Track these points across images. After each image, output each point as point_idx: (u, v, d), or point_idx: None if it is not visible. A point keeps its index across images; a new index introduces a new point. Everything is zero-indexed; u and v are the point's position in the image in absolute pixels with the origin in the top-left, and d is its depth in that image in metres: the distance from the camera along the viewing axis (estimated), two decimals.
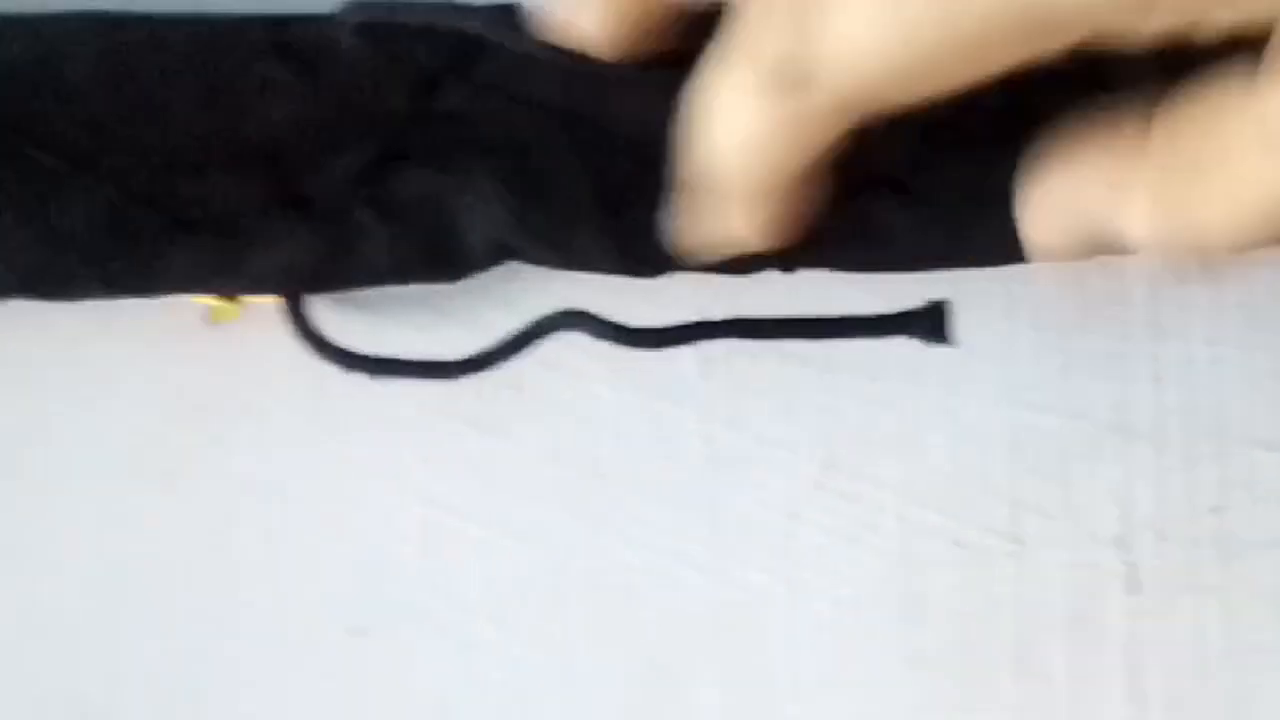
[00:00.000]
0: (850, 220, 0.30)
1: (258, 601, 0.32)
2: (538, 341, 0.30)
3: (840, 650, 0.33)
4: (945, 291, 0.31)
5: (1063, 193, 0.27)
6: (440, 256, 0.30)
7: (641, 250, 0.29)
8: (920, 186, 0.30)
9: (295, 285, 0.30)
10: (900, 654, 0.33)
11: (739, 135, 0.26)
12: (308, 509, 0.32)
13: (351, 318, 0.32)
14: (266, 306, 0.31)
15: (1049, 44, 0.24)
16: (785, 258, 0.30)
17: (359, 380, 0.31)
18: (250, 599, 0.32)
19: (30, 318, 0.31)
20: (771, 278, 0.30)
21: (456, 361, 0.30)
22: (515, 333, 0.30)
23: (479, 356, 0.30)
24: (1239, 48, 0.25)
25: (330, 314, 0.31)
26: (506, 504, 0.32)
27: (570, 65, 0.29)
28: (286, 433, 0.32)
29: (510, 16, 0.29)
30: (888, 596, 0.33)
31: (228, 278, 0.30)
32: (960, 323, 0.31)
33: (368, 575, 0.32)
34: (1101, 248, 0.27)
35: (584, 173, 0.29)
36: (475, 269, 0.30)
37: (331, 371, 0.31)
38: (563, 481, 0.32)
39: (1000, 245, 0.29)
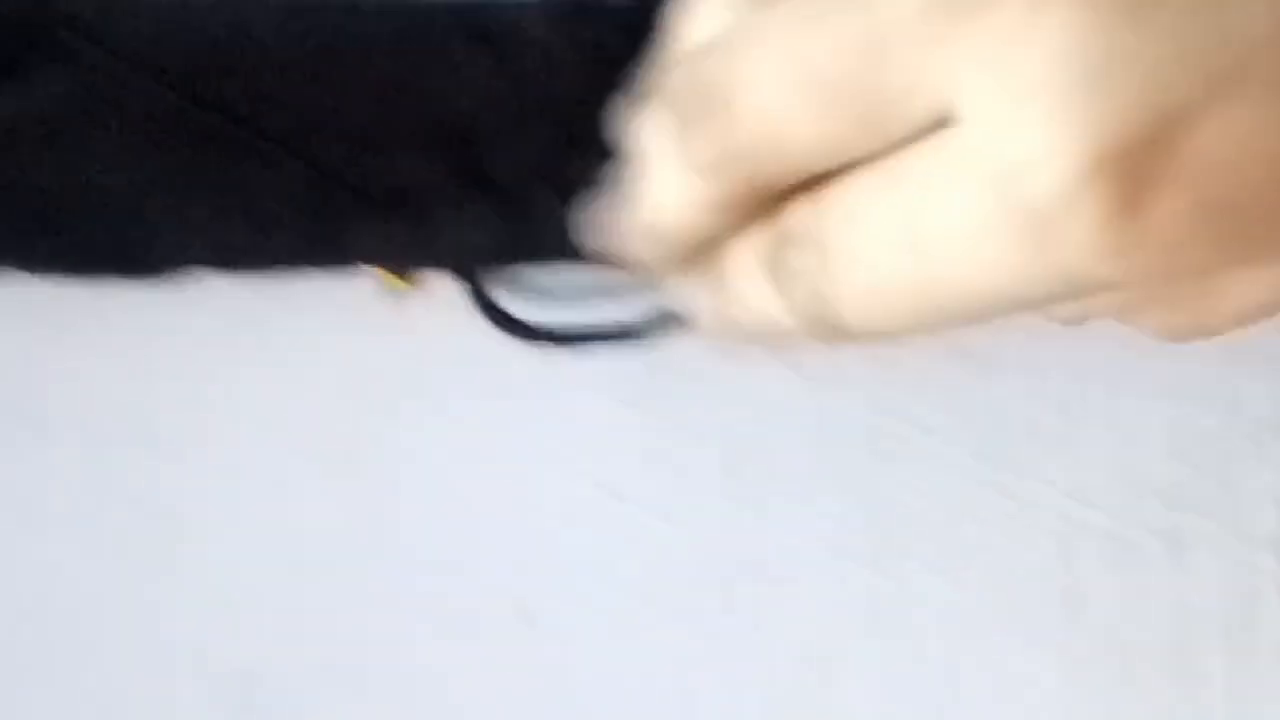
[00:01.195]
0: None
1: (426, 579, 0.32)
2: None
3: (996, 645, 0.33)
4: None
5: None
6: None
7: None
8: None
9: (477, 262, 0.30)
10: (1056, 651, 0.33)
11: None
12: (477, 488, 0.32)
13: (520, 298, 0.32)
14: (442, 283, 0.31)
15: None
16: None
17: (530, 362, 0.31)
18: (419, 576, 0.32)
19: (208, 292, 0.31)
20: None
21: (641, 324, 0.31)
22: None
23: (662, 316, 0.31)
24: None
25: (501, 294, 0.31)
26: (672, 489, 0.32)
27: None
28: (458, 411, 0.32)
29: None
30: (1045, 593, 0.33)
31: (412, 254, 0.30)
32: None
33: (534, 556, 0.32)
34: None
35: None
36: None
37: (503, 352, 0.31)
38: (728, 468, 0.32)
39: None
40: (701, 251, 0.26)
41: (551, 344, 0.31)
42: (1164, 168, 0.22)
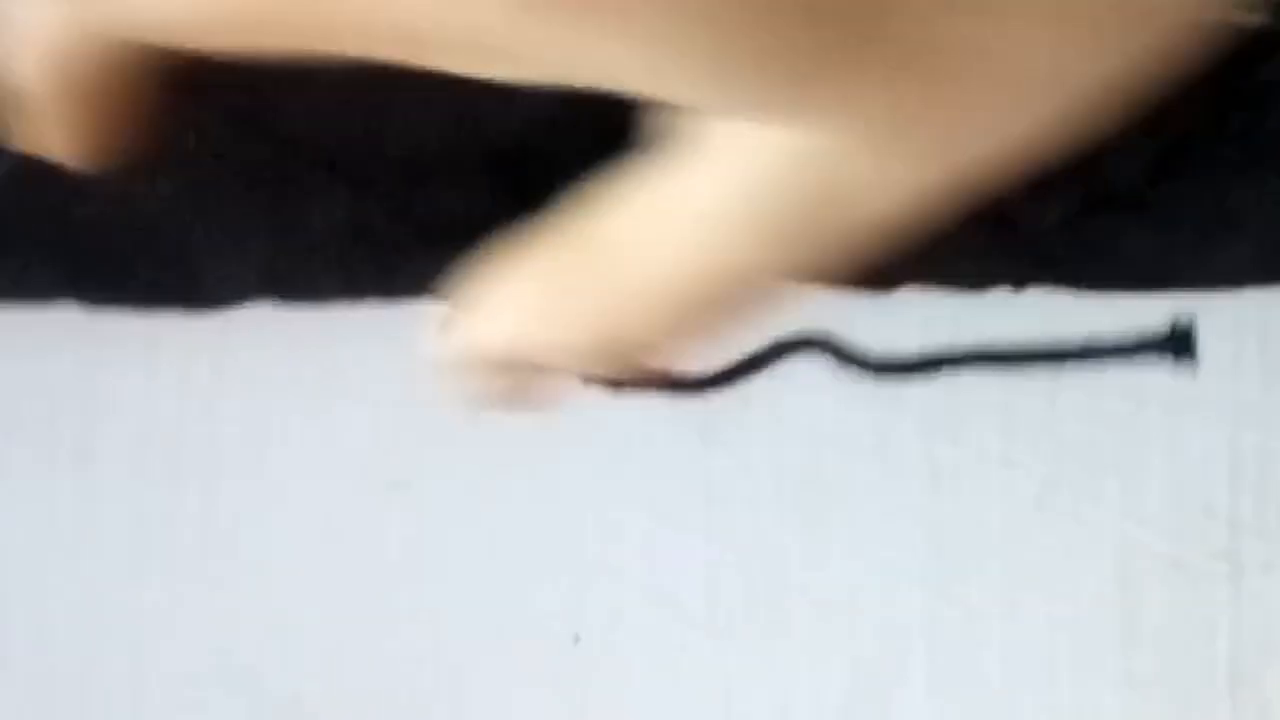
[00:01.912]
0: (1087, 237, 0.29)
1: (483, 605, 0.32)
2: (778, 361, 0.30)
3: (1055, 669, 0.32)
4: (1169, 309, 0.31)
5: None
6: None
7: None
8: (1161, 205, 0.29)
9: None
10: (1115, 674, 0.32)
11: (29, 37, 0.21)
12: (534, 514, 0.32)
13: None
14: None
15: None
16: (1013, 275, 0.30)
17: (590, 390, 0.31)
18: (474, 602, 0.32)
19: (263, 322, 0.31)
20: (1002, 299, 0.30)
21: (697, 379, 0.30)
22: (756, 351, 0.30)
23: (719, 374, 0.30)
24: None
25: None
26: (729, 516, 0.32)
27: None
28: (515, 440, 0.32)
29: None
30: (1104, 617, 0.32)
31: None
32: None
33: (590, 583, 0.32)
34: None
35: None
36: None
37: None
38: (785, 494, 0.32)
39: (1241, 268, 0.29)
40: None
41: (604, 387, 0.30)
42: None
